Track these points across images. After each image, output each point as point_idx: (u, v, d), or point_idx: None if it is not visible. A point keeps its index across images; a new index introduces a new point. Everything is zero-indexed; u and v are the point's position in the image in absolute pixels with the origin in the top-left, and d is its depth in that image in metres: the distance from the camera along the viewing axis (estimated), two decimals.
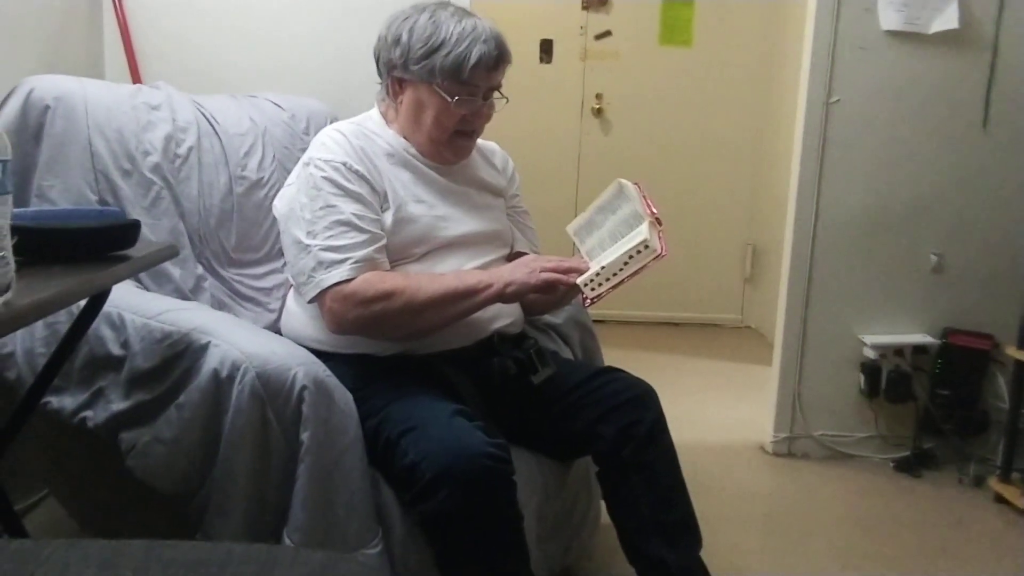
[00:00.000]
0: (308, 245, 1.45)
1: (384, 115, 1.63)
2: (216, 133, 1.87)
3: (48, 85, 1.68)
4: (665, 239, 1.38)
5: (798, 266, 2.64)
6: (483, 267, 1.57)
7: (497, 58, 1.54)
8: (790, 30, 3.74)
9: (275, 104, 2.04)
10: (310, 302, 1.48)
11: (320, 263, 1.43)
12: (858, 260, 2.63)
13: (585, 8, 4.12)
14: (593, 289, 1.39)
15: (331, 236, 1.44)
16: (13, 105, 1.63)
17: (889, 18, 2.51)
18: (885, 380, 2.62)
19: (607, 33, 4.14)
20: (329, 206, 1.46)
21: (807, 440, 2.69)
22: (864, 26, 2.51)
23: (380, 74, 1.60)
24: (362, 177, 1.50)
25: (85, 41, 2.21)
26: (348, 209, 1.46)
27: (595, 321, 1.99)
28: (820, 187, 2.59)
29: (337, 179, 1.48)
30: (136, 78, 2.25)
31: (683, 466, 1.59)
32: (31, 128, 1.63)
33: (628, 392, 1.58)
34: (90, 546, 0.69)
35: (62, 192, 1.63)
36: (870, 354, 2.62)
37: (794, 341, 2.67)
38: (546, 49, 4.15)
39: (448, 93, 1.52)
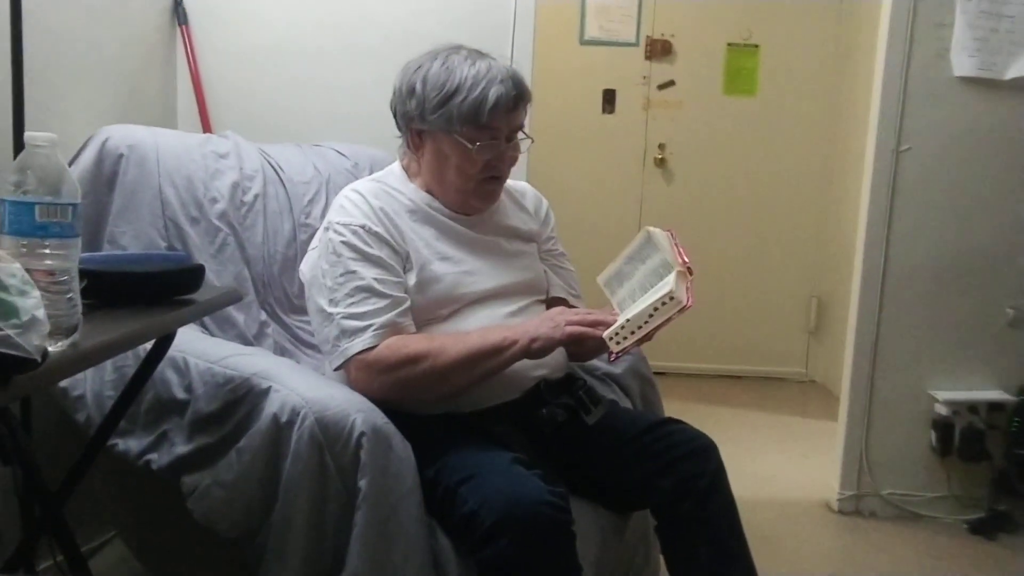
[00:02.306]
0: (331, 313, 1.42)
1: (406, 169, 1.59)
2: (281, 181, 1.90)
3: (122, 134, 1.73)
4: (693, 289, 1.33)
5: (865, 318, 2.56)
6: (517, 313, 1.53)
7: (516, 98, 1.48)
8: (857, 77, 3.68)
9: (338, 152, 2.07)
10: (335, 370, 1.46)
11: (343, 332, 1.41)
12: (929, 313, 2.54)
13: (648, 58, 4.12)
14: (618, 343, 1.34)
15: (352, 303, 1.41)
16: (89, 153, 1.69)
17: (962, 64, 2.44)
18: (958, 438, 2.50)
19: (670, 83, 4.12)
20: (349, 272, 1.43)
21: (875, 499, 2.59)
22: (936, 72, 2.45)
23: (399, 127, 1.57)
24: (382, 239, 1.47)
25: (160, 92, 2.29)
26: (368, 274, 1.43)
27: (655, 373, 1.94)
28: (889, 237, 2.52)
29: (356, 243, 1.45)
30: (206, 127, 2.31)
31: (744, 522, 1.52)
32: (105, 176, 1.69)
33: (688, 444, 1.52)
34: None
35: (133, 238, 1.67)
36: (942, 410, 2.52)
37: (861, 396, 2.58)
38: (609, 99, 4.13)
39: (468, 140, 1.47)
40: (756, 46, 4.08)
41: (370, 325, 1.40)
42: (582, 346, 1.43)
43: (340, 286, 1.42)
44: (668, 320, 1.31)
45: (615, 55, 4.08)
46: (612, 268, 1.57)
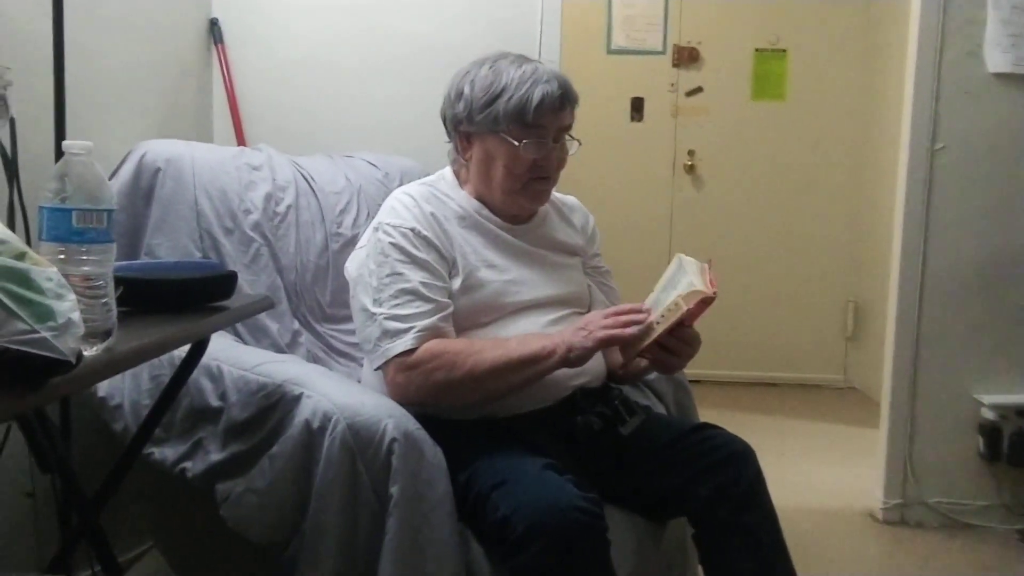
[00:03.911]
0: (374, 313, 1.43)
1: (457, 175, 1.61)
2: (313, 191, 1.93)
3: (159, 149, 1.77)
4: (702, 310, 1.36)
5: (905, 322, 2.51)
6: (557, 322, 1.53)
7: (561, 97, 1.50)
8: (887, 77, 3.64)
9: (370, 163, 2.10)
10: (375, 370, 1.46)
11: (385, 332, 1.41)
12: (971, 314, 2.48)
13: (675, 65, 4.12)
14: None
15: (396, 305, 1.42)
16: (128, 168, 1.73)
17: (996, 60, 2.40)
18: (1007, 443, 2.44)
19: (698, 89, 4.12)
20: (396, 273, 1.44)
21: (921, 507, 2.52)
22: (969, 69, 2.42)
23: (448, 133, 1.59)
24: (430, 244, 1.48)
25: (196, 107, 2.34)
26: (415, 277, 1.44)
27: (690, 380, 1.91)
28: (927, 238, 2.48)
29: (405, 246, 1.46)
30: (241, 140, 2.36)
31: (785, 531, 1.49)
32: (143, 189, 1.72)
33: (725, 449, 1.50)
34: None
35: (169, 250, 1.70)
36: (989, 415, 2.45)
37: (903, 402, 2.52)
38: (637, 107, 4.15)
39: (515, 138, 1.48)
40: (784, 51, 4.06)
41: (412, 327, 1.40)
42: (617, 345, 1.42)
43: (385, 287, 1.43)
44: (690, 314, 1.34)
45: (642, 63, 4.09)
46: (651, 298, 1.58)
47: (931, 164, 2.45)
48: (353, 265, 1.55)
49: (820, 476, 2.93)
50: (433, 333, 1.42)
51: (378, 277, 1.45)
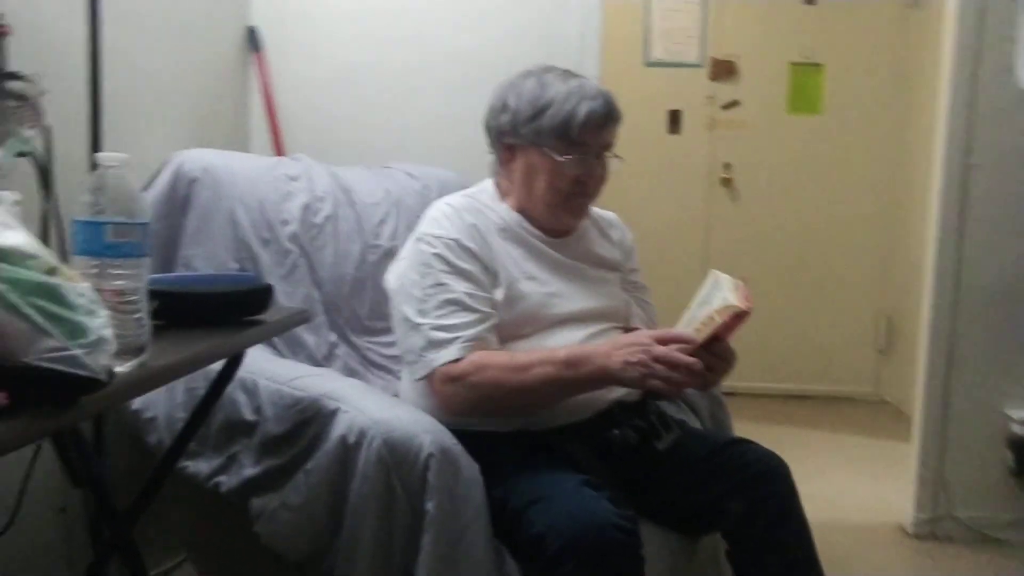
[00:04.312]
0: (418, 324, 1.40)
1: (498, 187, 1.58)
2: (351, 203, 1.89)
3: (196, 158, 1.73)
4: (737, 325, 1.32)
5: (938, 336, 2.46)
6: (596, 335, 1.49)
7: (606, 115, 1.47)
8: (923, 92, 3.59)
9: (408, 174, 2.06)
10: (418, 380, 1.43)
11: (430, 342, 1.38)
12: (1005, 330, 2.42)
13: (712, 79, 4.09)
14: None
15: (441, 315, 1.39)
16: (164, 178, 1.70)
17: None
18: None
19: (735, 103, 4.08)
20: (440, 284, 1.41)
21: (951, 522, 2.46)
22: (1004, 86, 2.36)
23: (491, 144, 1.56)
24: (473, 254, 1.45)
25: (234, 116, 2.30)
26: (459, 288, 1.41)
27: (724, 393, 1.87)
28: (961, 252, 2.42)
29: (448, 256, 1.43)
30: (279, 150, 2.32)
31: (817, 546, 1.45)
32: (179, 200, 1.69)
33: (758, 465, 1.46)
34: None
35: (205, 260, 1.67)
36: (1019, 430, 2.39)
37: (935, 416, 2.47)
38: (674, 120, 4.12)
39: (558, 153, 1.46)
40: (819, 64, 4.02)
41: (457, 338, 1.37)
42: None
43: (429, 297, 1.40)
44: (725, 327, 1.30)
45: (679, 76, 4.06)
46: (687, 315, 1.53)
47: (966, 180, 2.40)
48: (393, 276, 1.52)
49: (851, 490, 2.88)
50: (479, 344, 1.39)
51: (421, 288, 1.42)
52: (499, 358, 1.38)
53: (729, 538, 1.46)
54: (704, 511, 1.47)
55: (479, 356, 1.38)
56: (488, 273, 1.45)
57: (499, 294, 1.45)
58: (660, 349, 1.31)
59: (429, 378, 1.39)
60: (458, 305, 1.39)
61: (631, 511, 1.28)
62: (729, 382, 1.45)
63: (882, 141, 3.98)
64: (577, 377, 1.37)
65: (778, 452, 1.51)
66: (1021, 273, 2.40)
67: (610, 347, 1.36)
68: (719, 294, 1.37)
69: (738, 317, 1.30)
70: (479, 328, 1.39)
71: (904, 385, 3.51)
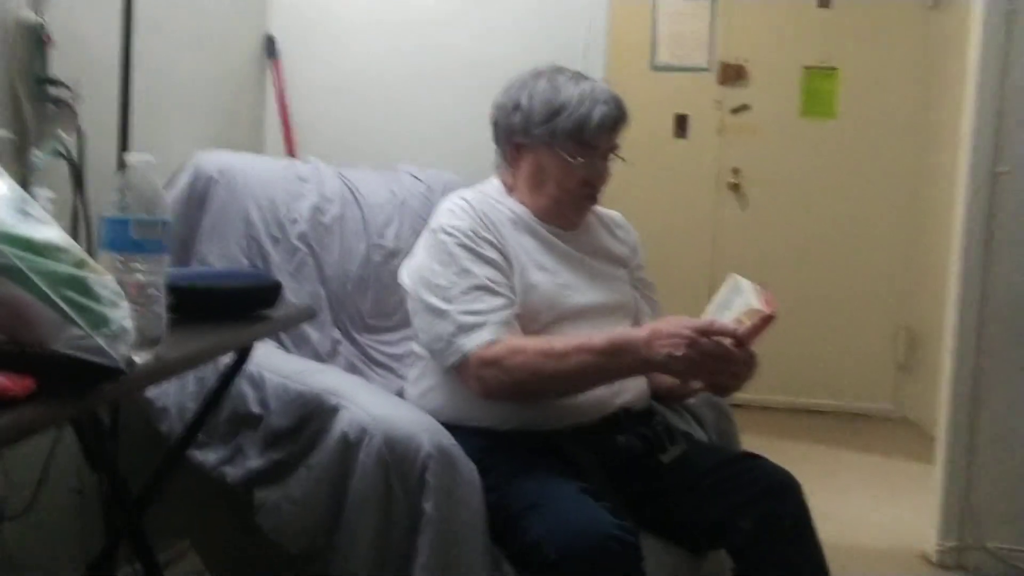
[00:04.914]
0: (445, 311, 1.44)
1: (504, 182, 1.64)
2: (358, 204, 1.98)
3: (214, 159, 1.85)
4: (762, 330, 1.34)
5: (964, 353, 2.42)
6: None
7: (617, 118, 1.54)
8: (946, 96, 3.57)
9: (414, 176, 2.15)
10: (450, 368, 1.47)
11: (460, 328, 1.42)
12: None
13: (721, 83, 4.12)
14: None
15: (469, 300, 1.44)
16: (184, 177, 1.82)
17: None
18: None
19: (744, 107, 4.11)
20: (465, 271, 1.46)
21: (980, 552, 2.40)
22: None
23: (498, 141, 1.62)
24: (491, 243, 1.51)
25: (250, 120, 2.45)
26: (483, 273, 1.46)
27: (732, 405, 1.89)
28: (988, 262, 2.39)
29: (469, 244, 1.49)
30: (291, 151, 2.45)
31: (831, 569, 1.45)
32: (197, 198, 1.80)
33: (767, 480, 1.47)
34: None
35: (219, 257, 1.76)
36: None
37: (961, 437, 2.42)
38: (680, 124, 4.17)
39: (570, 155, 1.52)
40: (834, 68, 4.03)
41: (487, 321, 1.42)
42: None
43: (454, 284, 1.46)
44: (754, 330, 1.33)
45: (687, 80, 4.11)
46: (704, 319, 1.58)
47: (993, 188, 2.38)
48: (410, 271, 1.58)
49: (869, 512, 2.85)
50: (509, 328, 1.44)
51: (445, 277, 1.47)
52: (534, 343, 1.43)
53: (736, 556, 1.46)
54: (710, 527, 1.47)
55: (513, 341, 1.42)
56: (506, 261, 1.51)
57: (515, 282, 1.50)
58: (707, 343, 1.33)
59: (463, 364, 1.43)
60: (485, 290, 1.45)
61: (631, 522, 1.30)
62: (738, 394, 1.47)
63: (901, 147, 3.96)
64: (618, 367, 1.41)
65: (789, 469, 1.51)
66: None
67: (650, 336, 1.36)
68: (740, 298, 1.39)
69: (765, 321, 1.32)
70: (507, 312, 1.45)
71: (925, 402, 3.47)
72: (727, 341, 1.34)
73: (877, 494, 3.05)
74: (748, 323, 1.33)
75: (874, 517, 2.82)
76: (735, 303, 1.40)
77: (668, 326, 1.37)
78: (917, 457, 3.25)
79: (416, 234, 1.98)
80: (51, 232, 0.83)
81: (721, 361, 1.34)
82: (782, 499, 1.45)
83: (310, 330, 1.77)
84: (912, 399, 3.99)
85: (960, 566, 2.42)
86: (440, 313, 1.45)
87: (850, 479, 3.19)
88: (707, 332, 1.34)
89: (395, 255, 1.96)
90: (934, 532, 2.46)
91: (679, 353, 1.33)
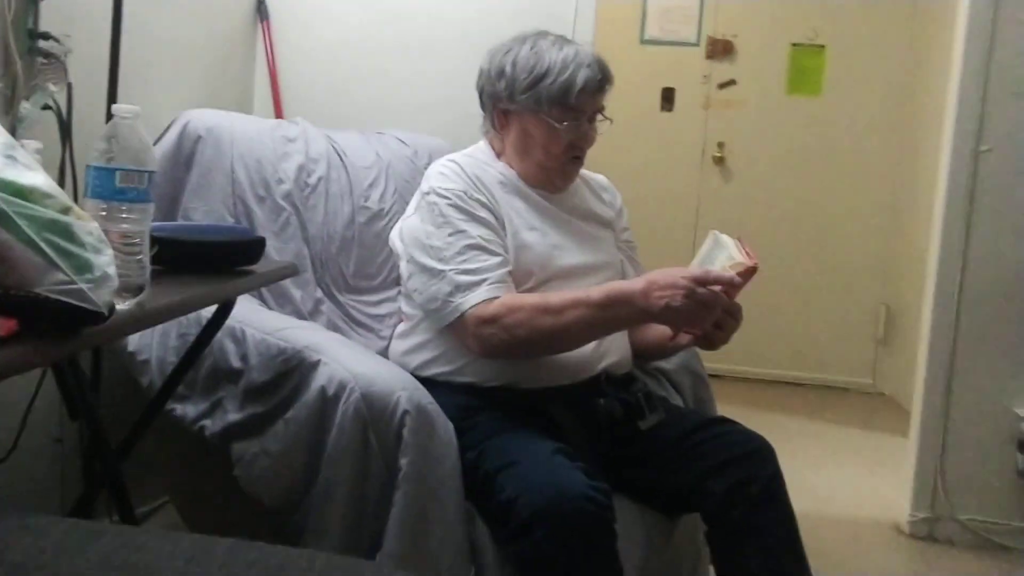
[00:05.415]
0: (442, 271, 1.47)
1: (491, 146, 1.66)
2: (344, 166, 1.99)
3: (202, 118, 1.86)
4: (746, 282, 1.38)
5: (941, 329, 2.46)
6: None
7: (601, 81, 1.56)
8: (931, 76, 3.61)
9: (400, 140, 2.16)
10: (447, 327, 1.49)
11: (457, 287, 1.45)
12: (1013, 323, 2.42)
13: (709, 57, 4.14)
14: None
15: (464, 260, 1.46)
16: (171, 135, 1.83)
17: None
18: None
19: (731, 82, 4.14)
20: (459, 231, 1.48)
21: (952, 523, 2.46)
22: (1020, 70, 2.36)
23: (483, 107, 1.64)
24: (484, 204, 1.53)
25: (239, 80, 2.46)
26: (477, 233, 1.49)
27: (710, 375, 1.93)
28: (968, 242, 2.42)
29: (462, 205, 1.51)
30: (279, 113, 2.46)
31: (804, 539, 1.47)
32: (184, 156, 1.81)
33: (742, 445, 1.50)
34: (183, 539, 0.73)
35: (204, 214, 1.78)
36: None
37: (936, 412, 2.47)
38: (667, 97, 4.18)
39: (556, 120, 1.54)
40: (822, 46, 4.06)
41: (484, 279, 1.45)
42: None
43: (450, 245, 1.48)
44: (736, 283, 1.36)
45: (675, 54, 4.14)
46: None
47: (975, 166, 2.40)
48: (402, 233, 1.60)
49: (844, 483, 2.89)
50: (505, 286, 1.46)
51: (440, 237, 1.49)
52: (531, 300, 1.45)
53: (708, 519, 1.49)
54: (684, 490, 1.50)
55: (510, 298, 1.45)
56: (499, 222, 1.54)
57: (508, 243, 1.53)
58: (703, 292, 1.35)
59: (460, 322, 1.45)
60: (480, 249, 1.47)
61: (604, 483, 1.31)
62: (715, 364, 1.50)
63: (885, 125, 3.99)
64: (615, 319, 1.44)
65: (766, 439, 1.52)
66: None
67: (647, 286, 1.38)
68: (723, 252, 1.42)
69: (748, 273, 1.35)
70: (503, 271, 1.47)
71: (903, 378, 3.50)
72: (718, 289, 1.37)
73: (852, 466, 3.08)
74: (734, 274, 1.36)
75: (848, 488, 2.85)
76: (718, 258, 1.43)
77: (664, 277, 1.38)
78: (893, 431, 3.30)
79: (401, 197, 2.01)
80: (37, 178, 0.84)
81: (716, 310, 1.38)
82: (755, 463, 1.47)
83: (293, 289, 1.79)
84: (890, 374, 4.05)
85: (931, 536, 2.47)
86: (436, 273, 1.48)
87: (826, 451, 3.23)
88: (703, 281, 1.36)
89: (380, 217, 1.99)
90: (907, 503, 2.51)
91: (676, 303, 1.35)
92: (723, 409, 1.91)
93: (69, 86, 1.57)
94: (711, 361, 1.92)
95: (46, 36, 1.53)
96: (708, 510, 1.49)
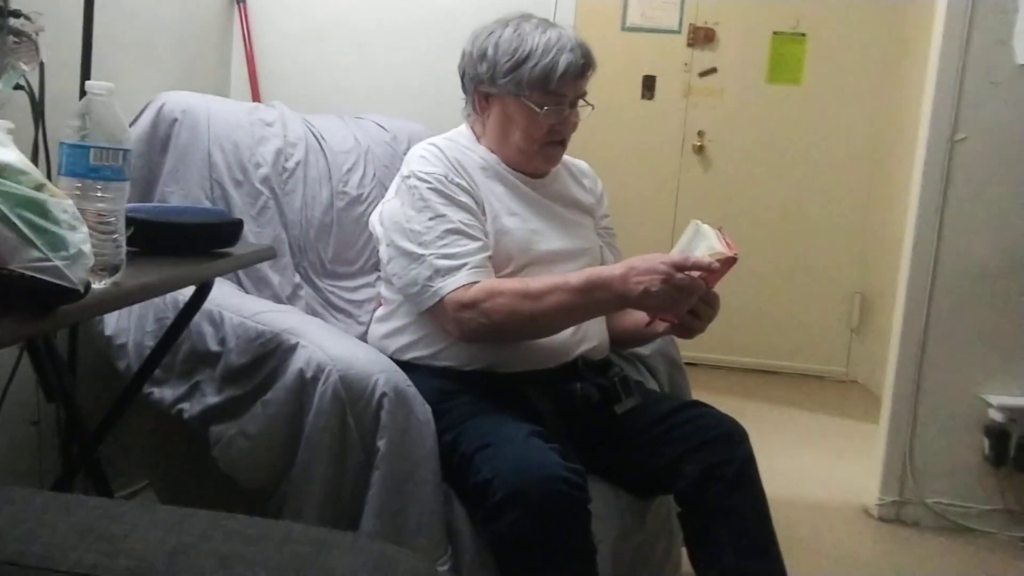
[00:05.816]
0: (422, 255, 1.47)
1: (472, 129, 1.66)
2: (323, 150, 1.99)
3: (177, 100, 1.84)
4: (725, 272, 1.39)
5: (913, 317, 2.49)
6: None
7: (583, 66, 1.55)
8: (909, 65, 3.64)
9: (379, 125, 2.16)
10: (426, 312, 1.49)
11: (437, 271, 1.45)
12: (983, 312, 2.45)
13: (690, 45, 4.16)
14: None
15: (444, 244, 1.46)
16: (147, 117, 1.81)
17: None
18: (1014, 447, 2.41)
19: (712, 70, 4.16)
20: (439, 215, 1.48)
21: (919, 507, 2.51)
22: (996, 59, 2.38)
23: (465, 90, 1.64)
24: (464, 188, 1.53)
25: (216, 63, 2.44)
26: (457, 217, 1.49)
27: (687, 363, 1.95)
28: (941, 232, 2.45)
29: (443, 190, 1.51)
30: (256, 96, 2.45)
31: (776, 521, 1.49)
32: (160, 138, 1.80)
33: (716, 428, 1.52)
34: (162, 511, 0.74)
35: (181, 198, 1.77)
36: (996, 416, 2.42)
37: (906, 397, 2.50)
38: (648, 85, 4.20)
39: (536, 104, 1.53)
40: (803, 35, 4.08)
41: (464, 264, 1.45)
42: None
43: (430, 229, 1.48)
44: (715, 271, 1.37)
45: (656, 42, 4.14)
46: None
47: (950, 155, 2.41)
48: (382, 217, 1.60)
49: (815, 468, 2.93)
50: (485, 271, 1.47)
51: (420, 222, 1.49)
52: (511, 285, 1.45)
53: (682, 501, 1.52)
54: (658, 472, 1.52)
55: (489, 283, 1.45)
56: (479, 207, 1.53)
57: (488, 227, 1.53)
58: (682, 278, 1.36)
59: (439, 307, 1.45)
60: (460, 233, 1.47)
61: (580, 465, 1.33)
62: (691, 352, 1.52)
63: (864, 114, 4.03)
64: (595, 304, 1.44)
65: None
66: (1003, 253, 2.41)
67: (626, 272, 1.39)
68: (703, 242, 1.43)
69: (728, 263, 1.36)
70: (483, 255, 1.48)
71: (876, 366, 3.54)
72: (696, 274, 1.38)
73: (823, 451, 3.12)
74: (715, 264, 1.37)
75: (819, 473, 2.89)
76: (699, 247, 1.43)
77: (643, 262, 1.39)
78: (864, 418, 3.35)
79: (380, 182, 2.01)
80: (10, 155, 0.84)
81: (693, 296, 1.39)
82: (729, 446, 1.49)
83: (271, 273, 1.79)
84: (863, 362, 4.09)
85: (899, 520, 2.51)
86: (416, 258, 1.48)
87: (798, 437, 3.27)
88: (682, 267, 1.37)
89: (358, 202, 1.99)
90: (876, 487, 2.54)
91: (655, 288, 1.36)
92: (698, 396, 1.90)
93: (41, 65, 1.55)
94: (687, 349, 1.94)
95: (17, 14, 1.50)
96: (682, 491, 1.51)
